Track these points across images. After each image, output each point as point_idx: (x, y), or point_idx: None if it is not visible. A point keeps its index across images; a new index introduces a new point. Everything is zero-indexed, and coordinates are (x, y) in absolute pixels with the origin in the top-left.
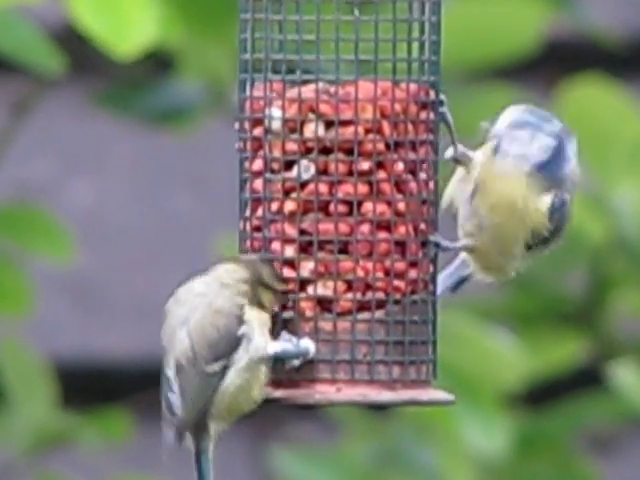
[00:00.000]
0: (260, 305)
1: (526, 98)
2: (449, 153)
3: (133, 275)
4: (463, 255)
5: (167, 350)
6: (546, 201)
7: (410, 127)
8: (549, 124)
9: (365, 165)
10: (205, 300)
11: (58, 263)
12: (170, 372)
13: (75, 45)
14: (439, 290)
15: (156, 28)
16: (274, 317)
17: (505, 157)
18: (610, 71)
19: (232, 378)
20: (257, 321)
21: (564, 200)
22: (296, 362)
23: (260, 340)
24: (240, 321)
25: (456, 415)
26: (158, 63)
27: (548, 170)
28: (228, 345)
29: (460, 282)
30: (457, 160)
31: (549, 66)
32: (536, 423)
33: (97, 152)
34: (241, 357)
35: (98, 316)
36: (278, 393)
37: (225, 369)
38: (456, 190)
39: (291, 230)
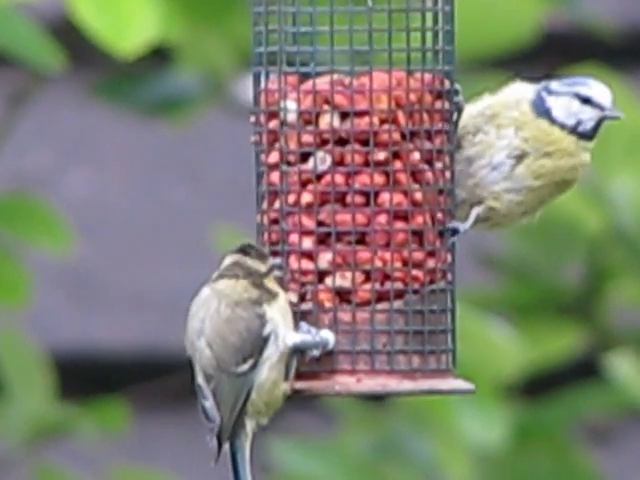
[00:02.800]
0: (271, 291)
1: None
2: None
3: (131, 266)
4: (477, 210)
5: (193, 360)
6: (586, 159)
7: (425, 117)
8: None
9: (381, 155)
10: (211, 310)
11: (56, 254)
12: (200, 380)
13: (73, 37)
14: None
15: (157, 25)
16: (294, 312)
17: (553, 122)
18: (608, 62)
19: (267, 374)
20: (279, 315)
21: None
22: (316, 353)
23: (286, 333)
24: (263, 321)
25: (454, 406)
26: (156, 54)
27: (587, 135)
28: (256, 346)
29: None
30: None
31: (547, 57)
32: (533, 414)
33: (95, 143)
34: (272, 353)
35: (96, 307)
36: (298, 385)
37: (254, 366)
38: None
39: (308, 222)
